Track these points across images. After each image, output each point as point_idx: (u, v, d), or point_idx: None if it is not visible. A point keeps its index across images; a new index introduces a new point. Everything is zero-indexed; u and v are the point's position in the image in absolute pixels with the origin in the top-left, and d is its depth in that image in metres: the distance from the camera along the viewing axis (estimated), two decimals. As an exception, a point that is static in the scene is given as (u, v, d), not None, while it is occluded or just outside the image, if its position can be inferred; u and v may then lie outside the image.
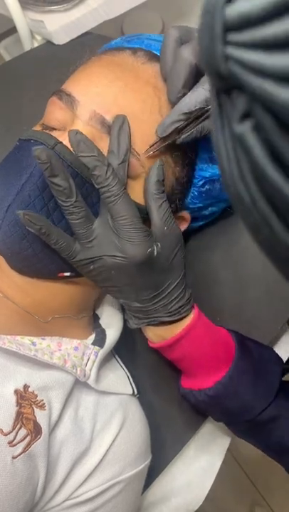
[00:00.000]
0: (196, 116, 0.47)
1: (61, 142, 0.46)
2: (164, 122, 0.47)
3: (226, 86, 0.20)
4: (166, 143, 0.48)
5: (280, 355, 0.59)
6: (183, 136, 0.48)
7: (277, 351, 0.60)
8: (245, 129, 0.20)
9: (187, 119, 0.47)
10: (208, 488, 0.63)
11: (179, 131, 0.48)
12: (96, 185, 0.45)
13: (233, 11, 0.18)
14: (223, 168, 0.23)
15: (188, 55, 0.46)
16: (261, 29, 0.17)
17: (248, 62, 0.18)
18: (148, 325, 0.53)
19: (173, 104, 0.48)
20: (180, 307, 0.51)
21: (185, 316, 0.52)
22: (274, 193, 0.20)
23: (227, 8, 0.18)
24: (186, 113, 0.46)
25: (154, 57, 0.52)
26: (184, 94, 0.47)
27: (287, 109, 0.17)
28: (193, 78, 0.47)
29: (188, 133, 0.48)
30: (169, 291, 0.50)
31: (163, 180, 0.48)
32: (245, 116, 0.20)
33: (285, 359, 0.65)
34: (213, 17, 0.19)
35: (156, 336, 0.54)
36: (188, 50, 0.46)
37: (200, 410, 0.60)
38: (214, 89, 0.22)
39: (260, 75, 0.18)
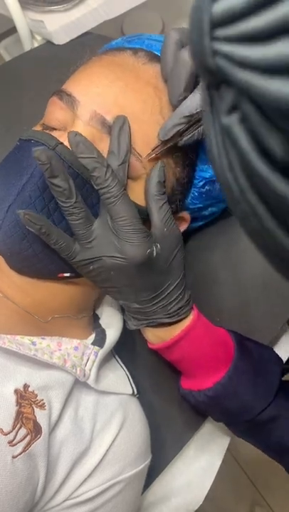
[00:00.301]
0: (198, 118, 0.47)
1: (62, 143, 0.46)
2: (166, 125, 0.47)
3: (215, 80, 0.21)
4: (168, 146, 0.48)
5: (280, 355, 0.59)
6: (184, 139, 0.48)
7: (277, 351, 0.60)
8: (232, 121, 0.20)
9: (188, 121, 0.47)
10: (208, 488, 0.63)
11: (180, 133, 0.48)
12: (95, 187, 0.45)
13: (219, 6, 0.19)
14: (213, 158, 0.24)
15: (188, 57, 0.46)
16: (245, 23, 0.18)
17: (233, 56, 0.18)
18: (147, 326, 0.53)
19: (174, 106, 0.48)
20: (179, 308, 0.51)
21: (184, 318, 0.52)
22: (260, 183, 0.20)
23: (214, 4, 0.19)
24: (187, 116, 0.46)
25: (154, 58, 0.52)
26: (185, 97, 0.47)
27: (270, 99, 0.17)
28: (194, 81, 0.47)
29: (190, 135, 0.48)
30: (168, 292, 0.50)
31: (164, 182, 0.48)
32: (233, 108, 0.20)
33: (285, 359, 0.65)
34: (201, 14, 0.19)
35: (156, 337, 0.54)
36: (188, 52, 0.46)
37: (200, 411, 0.60)
38: (205, 83, 0.22)
39: (245, 68, 0.18)
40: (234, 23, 0.18)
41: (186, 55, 0.46)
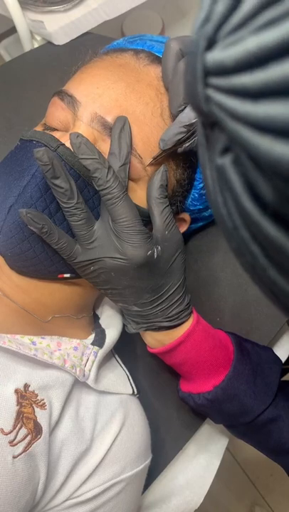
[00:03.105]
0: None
1: (63, 144, 0.46)
2: (166, 135, 0.47)
3: (209, 121, 0.21)
4: (169, 152, 0.48)
5: (280, 355, 0.59)
6: (185, 146, 0.48)
7: (277, 351, 0.60)
8: (225, 162, 0.20)
9: (188, 131, 0.47)
10: (208, 487, 0.63)
11: (181, 142, 0.48)
12: (97, 188, 0.45)
13: (211, 57, 0.19)
14: (208, 192, 0.24)
15: None
16: (236, 77, 0.18)
17: (225, 107, 0.18)
18: (147, 330, 0.53)
19: (174, 116, 0.48)
20: (179, 312, 0.51)
21: (184, 321, 0.52)
22: (252, 224, 0.20)
23: (207, 53, 0.19)
24: (187, 125, 0.46)
25: (156, 60, 0.52)
26: (185, 107, 0.47)
27: (259, 156, 0.17)
28: None
29: (190, 143, 0.48)
30: (168, 295, 0.50)
31: (166, 185, 0.48)
32: (226, 150, 0.20)
33: (284, 359, 0.65)
34: (196, 60, 0.19)
35: (155, 341, 0.54)
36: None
37: (199, 413, 0.60)
38: (200, 120, 0.22)
39: (236, 121, 0.18)
40: (225, 76, 0.18)
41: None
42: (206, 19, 0.19)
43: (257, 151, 0.17)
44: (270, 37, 0.16)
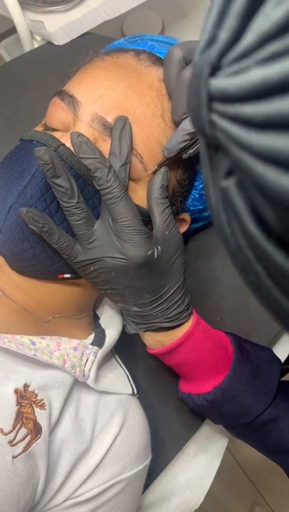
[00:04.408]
0: None
1: (63, 144, 0.46)
2: (170, 143, 0.47)
3: (213, 144, 0.21)
4: (172, 158, 0.49)
5: (280, 355, 0.59)
6: (189, 152, 0.48)
7: (277, 351, 0.60)
8: (229, 184, 0.20)
9: (192, 138, 0.47)
10: (208, 487, 0.63)
11: (184, 149, 0.48)
12: (97, 187, 0.45)
13: (216, 84, 0.19)
14: (212, 210, 0.24)
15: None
16: (240, 107, 0.18)
17: (230, 134, 0.18)
18: (146, 330, 0.53)
19: (177, 124, 0.48)
20: (179, 313, 0.51)
21: (184, 322, 0.52)
22: (256, 247, 0.20)
23: (211, 79, 0.19)
24: (190, 133, 0.46)
25: (157, 61, 0.52)
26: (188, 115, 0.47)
27: (265, 185, 0.17)
28: None
29: (194, 149, 0.48)
30: (168, 295, 0.50)
31: (167, 186, 0.48)
32: (230, 172, 0.20)
33: (285, 359, 0.65)
34: (200, 84, 0.19)
35: (155, 341, 0.54)
36: (191, 72, 0.46)
37: (199, 413, 0.60)
38: (203, 140, 0.22)
39: (241, 148, 0.18)
40: (229, 103, 0.18)
41: (188, 74, 0.46)
42: (210, 42, 0.19)
43: (262, 180, 0.17)
44: (274, 71, 0.16)
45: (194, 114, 0.20)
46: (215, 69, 0.19)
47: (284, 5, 0.16)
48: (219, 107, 0.19)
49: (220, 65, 0.19)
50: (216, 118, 0.19)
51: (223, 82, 0.18)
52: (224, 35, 0.18)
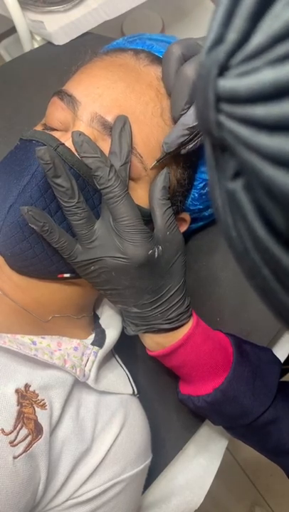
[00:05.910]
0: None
1: (63, 144, 0.46)
2: (169, 138, 0.47)
3: (220, 145, 0.20)
4: (171, 154, 0.48)
5: (280, 355, 0.59)
6: (188, 147, 0.48)
7: (277, 351, 0.60)
8: (236, 186, 0.20)
9: (191, 133, 0.47)
10: (208, 487, 0.63)
11: (184, 144, 0.48)
12: (98, 186, 0.45)
13: (225, 85, 0.18)
14: (218, 212, 0.23)
15: (190, 72, 0.46)
16: (249, 108, 0.17)
17: (238, 136, 0.18)
18: (146, 332, 0.53)
19: (176, 119, 0.48)
20: (179, 314, 0.51)
21: (184, 324, 0.52)
22: (264, 251, 0.20)
23: (220, 79, 0.19)
24: (190, 127, 0.46)
25: (156, 60, 0.52)
26: (188, 109, 0.47)
27: (274, 187, 0.17)
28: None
29: (193, 144, 0.48)
30: (168, 296, 0.50)
31: (168, 187, 0.48)
32: (237, 174, 0.20)
33: (284, 359, 0.65)
34: (207, 84, 0.19)
35: (155, 343, 0.54)
36: (190, 67, 0.46)
37: (199, 414, 0.60)
38: (209, 142, 0.22)
39: (250, 150, 0.18)
40: (238, 104, 0.18)
41: (188, 70, 0.46)
42: (216, 42, 0.19)
43: (271, 182, 0.17)
44: (285, 72, 0.16)
45: (201, 114, 0.20)
46: (223, 69, 0.19)
47: None
48: (227, 107, 0.18)
49: (228, 65, 0.19)
50: (223, 119, 0.19)
51: (231, 83, 0.18)
52: (232, 35, 0.18)
